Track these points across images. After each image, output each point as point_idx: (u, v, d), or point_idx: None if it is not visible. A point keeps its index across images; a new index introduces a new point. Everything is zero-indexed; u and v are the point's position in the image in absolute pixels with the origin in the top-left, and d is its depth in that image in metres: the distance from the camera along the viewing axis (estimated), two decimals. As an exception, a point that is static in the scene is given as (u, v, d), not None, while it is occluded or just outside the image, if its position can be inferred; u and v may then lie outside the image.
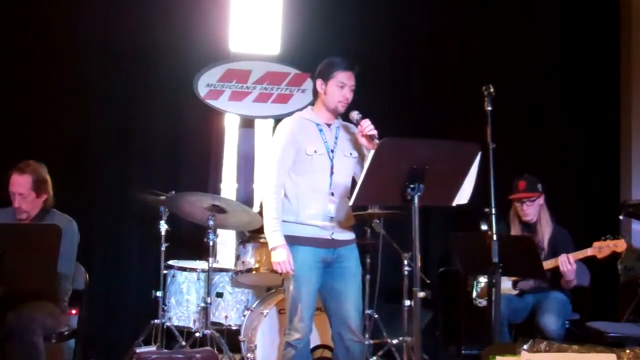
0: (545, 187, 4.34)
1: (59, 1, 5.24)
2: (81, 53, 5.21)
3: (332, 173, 3.43)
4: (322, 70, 3.46)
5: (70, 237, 3.73)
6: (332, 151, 3.44)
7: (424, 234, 4.76)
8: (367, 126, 3.32)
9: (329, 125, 3.49)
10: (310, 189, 3.41)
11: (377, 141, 3.27)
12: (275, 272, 3.52)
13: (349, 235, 3.53)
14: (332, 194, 3.41)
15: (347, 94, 3.43)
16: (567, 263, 3.93)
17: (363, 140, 3.38)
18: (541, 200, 4.30)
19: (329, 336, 3.57)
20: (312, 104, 3.58)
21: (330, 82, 3.42)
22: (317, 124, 3.47)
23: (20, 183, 3.73)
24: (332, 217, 3.42)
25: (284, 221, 3.40)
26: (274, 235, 3.35)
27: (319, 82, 3.46)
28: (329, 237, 3.42)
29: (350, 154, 3.50)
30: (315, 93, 3.50)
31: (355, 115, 3.40)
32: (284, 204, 3.43)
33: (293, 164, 3.43)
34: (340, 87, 3.41)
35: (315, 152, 3.41)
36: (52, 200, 3.88)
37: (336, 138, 3.48)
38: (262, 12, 5.66)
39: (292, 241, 3.38)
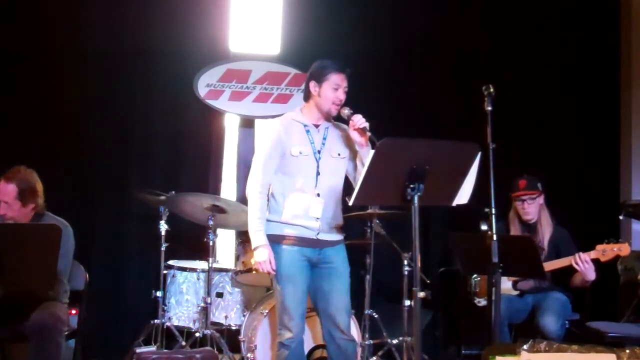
0: (545, 187, 4.35)
1: (59, 2, 5.25)
2: (81, 53, 5.21)
3: (318, 174, 3.42)
4: (315, 73, 3.47)
5: (66, 239, 3.68)
6: (319, 152, 3.44)
7: (424, 234, 4.78)
8: (359, 120, 3.34)
9: (317, 126, 3.49)
10: (296, 189, 3.40)
11: (369, 133, 3.29)
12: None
13: (336, 236, 3.51)
14: (318, 195, 3.41)
15: (341, 96, 3.43)
16: (581, 262, 3.89)
17: (355, 135, 3.38)
18: (541, 199, 4.32)
19: (328, 336, 3.57)
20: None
21: (325, 84, 3.42)
22: (305, 125, 3.47)
23: (6, 192, 3.68)
24: (317, 218, 3.41)
25: (270, 220, 3.42)
26: (256, 235, 3.36)
27: (312, 84, 3.46)
28: (314, 237, 3.42)
29: (339, 154, 3.48)
30: (307, 95, 3.50)
31: (346, 111, 3.41)
32: (271, 204, 3.45)
33: (279, 165, 3.43)
34: (335, 89, 3.42)
35: (300, 153, 3.41)
36: (43, 206, 3.81)
37: (324, 139, 3.47)
38: (262, 12, 5.66)
39: (277, 240, 3.39)
